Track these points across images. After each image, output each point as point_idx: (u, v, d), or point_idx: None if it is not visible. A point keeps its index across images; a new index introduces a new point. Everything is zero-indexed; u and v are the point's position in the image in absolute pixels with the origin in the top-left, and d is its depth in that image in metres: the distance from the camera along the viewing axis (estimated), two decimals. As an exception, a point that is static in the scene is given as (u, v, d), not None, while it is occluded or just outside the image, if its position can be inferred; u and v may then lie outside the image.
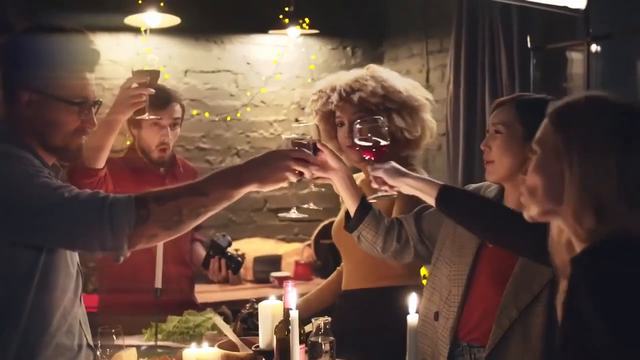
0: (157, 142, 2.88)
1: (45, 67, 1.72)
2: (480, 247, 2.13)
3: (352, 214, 2.23)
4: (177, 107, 2.92)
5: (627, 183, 1.26)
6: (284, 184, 1.86)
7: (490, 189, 2.23)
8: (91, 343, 1.91)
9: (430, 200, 2.02)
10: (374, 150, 2.09)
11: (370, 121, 2.11)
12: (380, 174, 2.05)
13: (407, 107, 2.52)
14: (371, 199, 2.18)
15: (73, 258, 1.83)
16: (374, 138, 2.08)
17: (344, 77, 2.55)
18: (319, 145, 2.06)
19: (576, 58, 4.30)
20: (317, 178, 2.11)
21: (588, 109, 1.33)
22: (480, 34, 4.18)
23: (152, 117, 2.58)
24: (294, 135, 2.05)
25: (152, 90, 2.47)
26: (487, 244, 2.12)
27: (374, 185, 2.10)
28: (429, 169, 5.03)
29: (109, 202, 1.62)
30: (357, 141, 2.10)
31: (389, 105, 2.49)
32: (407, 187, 2.04)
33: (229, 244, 2.88)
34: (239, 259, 2.89)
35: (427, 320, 2.20)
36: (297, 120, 4.81)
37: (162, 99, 2.82)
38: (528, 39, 4.09)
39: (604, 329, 1.16)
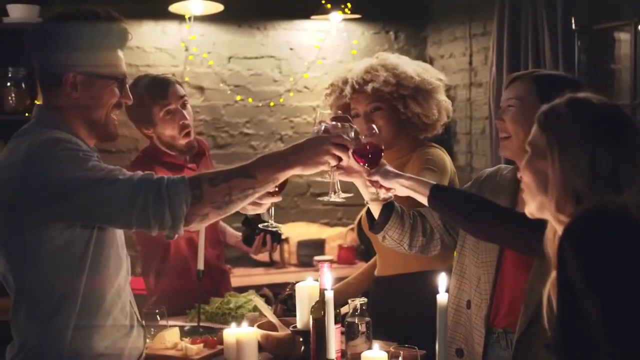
0: (178, 129, 2.79)
1: (83, 49, 1.80)
2: None
3: (375, 214, 2.23)
4: (178, 87, 2.84)
5: (598, 176, 1.39)
6: (325, 168, 1.92)
7: (506, 171, 2.20)
8: (141, 321, 1.99)
9: (423, 200, 2.05)
10: (369, 156, 2.06)
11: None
12: (376, 177, 2.05)
13: (421, 91, 2.52)
14: (371, 202, 2.18)
15: (122, 240, 1.92)
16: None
17: (355, 69, 2.56)
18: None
19: (624, 39, 4.22)
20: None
21: (568, 111, 1.45)
22: (524, 16, 4.13)
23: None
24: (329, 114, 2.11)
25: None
26: None
27: (371, 190, 2.11)
28: (473, 153, 5.01)
29: (165, 183, 1.71)
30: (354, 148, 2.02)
31: (402, 92, 2.50)
32: (401, 187, 2.06)
33: (270, 216, 2.91)
34: (279, 232, 2.91)
35: (460, 309, 2.20)
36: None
37: (160, 86, 2.79)
38: (573, 20, 4.02)
39: (594, 296, 1.22)
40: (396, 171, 2.08)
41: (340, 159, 1.91)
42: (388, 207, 2.20)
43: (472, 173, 4.80)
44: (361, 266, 4.37)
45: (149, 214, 1.70)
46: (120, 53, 1.87)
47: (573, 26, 4.02)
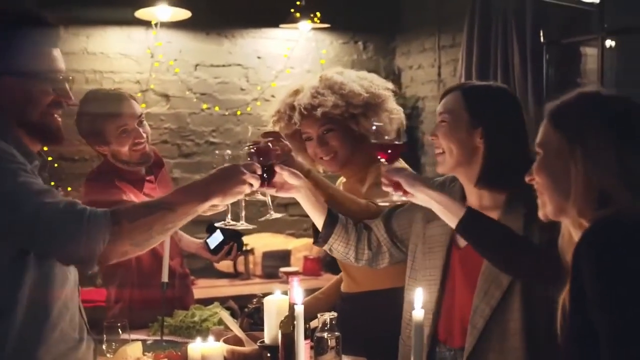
0: (131, 145, 2.69)
1: (9, 49, 1.74)
2: (450, 248, 2.05)
3: (319, 227, 2.20)
4: (134, 103, 2.73)
5: (628, 172, 1.32)
6: (241, 197, 1.93)
7: (453, 183, 2.14)
8: (92, 334, 1.91)
9: (450, 220, 1.88)
10: (389, 150, 2.00)
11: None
12: (398, 178, 1.92)
13: (371, 107, 2.46)
14: (381, 202, 2.12)
15: None
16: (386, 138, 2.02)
17: (300, 96, 2.49)
18: (276, 169, 2.05)
19: (590, 53, 4.25)
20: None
21: (583, 105, 1.40)
22: (494, 28, 4.13)
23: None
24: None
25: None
26: (457, 244, 2.05)
27: (386, 188, 1.97)
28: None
29: (87, 215, 1.63)
30: (373, 141, 2.02)
31: (352, 111, 2.44)
32: (426, 198, 1.90)
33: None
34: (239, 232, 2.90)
35: (411, 327, 2.13)
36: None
37: (115, 103, 2.69)
38: (541, 34, 4.04)
39: (605, 309, 1.19)
40: (425, 178, 2.00)
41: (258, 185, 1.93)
42: (332, 219, 2.18)
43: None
44: (327, 277, 4.35)
45: (65, 247, 1.63)
46: (55, 52, 1.80)
47: (542, 39, 4.04)
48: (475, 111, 1.98)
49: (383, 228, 2.22)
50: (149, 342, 2.49)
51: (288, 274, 4.49)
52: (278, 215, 2.16)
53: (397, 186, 1.93)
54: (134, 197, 2.71)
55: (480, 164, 1.97)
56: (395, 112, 2.53)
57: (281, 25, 4.93)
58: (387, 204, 2.12)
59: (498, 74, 4.09)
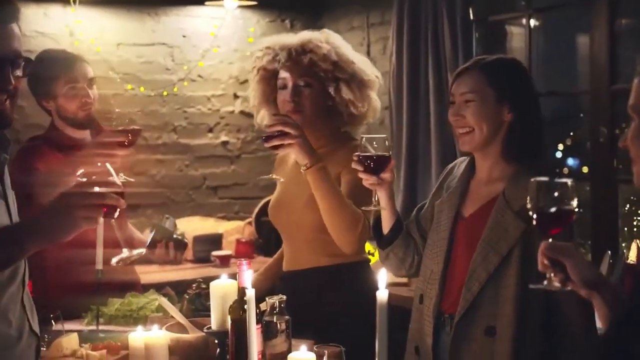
0: (78, 103, 2.69)
1: None
2: (456, 220, 2.10)
3: (385, 228, 2.16)
4: (87, 66, 2.76)
5: None
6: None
7: (463, 162, 2.20)
8: (35, 329, 1.75)
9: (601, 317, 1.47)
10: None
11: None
12: (563, 259, 1.44)
13: (356, 80, 2.44)
14: (366, 209, 2.13)
15: None
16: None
17: (295, 37, 2.45)
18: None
19: (517, 31, 4.31)
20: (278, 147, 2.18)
21: None
22: (423, 4, 4.12)
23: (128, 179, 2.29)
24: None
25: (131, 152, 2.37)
26: (462, 214, 2.10)
27: (542, 269, 1.49)
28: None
29: None
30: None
31: (338, 74, 2.40)
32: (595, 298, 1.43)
33: (175, 227, 2.81)
34: (184, 241, 2.82)
35: (415, 306, 2.17)
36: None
37: (68, 60, 2.74)
38: (470, 11, 4.06)
39: None
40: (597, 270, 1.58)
41: (108, 214, 1.59)
42: (399, 224, 2.16)
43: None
44: (260, 260, 4.29)
45: None
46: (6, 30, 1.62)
47: (471, 17, 4.06)
48: (500, 87, 2.02)
49: (416, 229, 2.22)
50: (84, 332, 2.38)
51: (221, 257, 4.40)
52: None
53: (558, 269, 1.46)
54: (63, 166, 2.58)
55: (506, 137, 2.03)
56: (375, 102, 2.51)
57: (206, 3, 4.80)
58: (370, 209, 2.13)
59: (429, 52, 4.08)
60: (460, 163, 2.22)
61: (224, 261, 4.38)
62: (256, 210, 4.79)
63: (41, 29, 4.44)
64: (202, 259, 4.51)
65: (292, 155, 2.55)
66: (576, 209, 1.44)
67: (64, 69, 2.69)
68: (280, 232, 2.62)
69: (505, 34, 4.42)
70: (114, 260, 1.81)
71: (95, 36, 4.60)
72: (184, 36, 4.89)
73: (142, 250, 2.10)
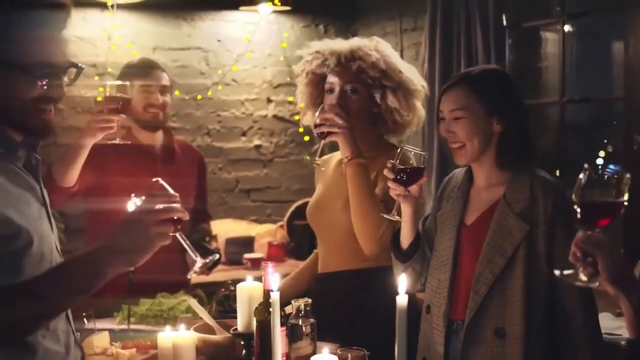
0: (144, 103, 2.91)
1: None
2: (459, 229, 2.12)
3: (404, 242, 2.18)
4: (164, 75, 3.01)
5: None
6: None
7: (460, 173, 2.22)
8: (79, 342, 1.70)
9: (631, 328, 1.44)
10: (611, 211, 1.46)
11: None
12: (596, 253, 1.38)
13: (403, 88, 2.47)
14: (385, 215, 2.16)
15: (45, 245, 1.56)
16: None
17: (345, 43, 2.48)
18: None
19: (551, 37, 4.28)
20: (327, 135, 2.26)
21: None
22: (456, 12, 4.12)
23: (124, 142, 2.64)
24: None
25: (123, 116, 2.55)
26: (465, 223, 2.12)
27: (573, 260, 1.42)
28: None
29: None
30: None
31: (385, 82, 2.43)
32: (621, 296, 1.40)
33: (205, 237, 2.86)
34: (210, 248, 2.86)
35: (422, 316, 2.19)
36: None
37: (147, 67, 3.00)
38: (504, 17, 4.04)
39: None
40: (627, 273, 1.43)
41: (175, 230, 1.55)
42: (418, 238, 2.18)
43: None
44: (292, 264, 4.32)
45: None
46: (54, 39, 1.51)
47: (504, 23, 4.05)
48: (488, 100, 2.06)
49: (425, 245, 2.23)
50: (115, 331, 2.43)
51: (252, 260, 4.45)
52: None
53: (589, 263, 1.39)
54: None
55: (498, 148, 2.07)
56: (419, 110, 2.53)
57: (241, 8, 4.84)
58: (388, 218, 2.16)
59: (461, 58, 4.08)
60: (458, 173, 2.24)
61: (256, 264, 4.42)
62: (288, 213, 4.82)
63: (80, 34, 4.53)
64: (234, 261, 4.56)
65: (334, 161, 2.58)
66: (625, 202, 1.38)
67: (139, 73, 2.93)
68: (316, 233, 2.65)
69: (540, 40, 4.39)
70: (192, 272, 1.83)
71: (132, 40, 4.69)
72: (218, 41, 4.95)
73: (216, 255, 2.13)
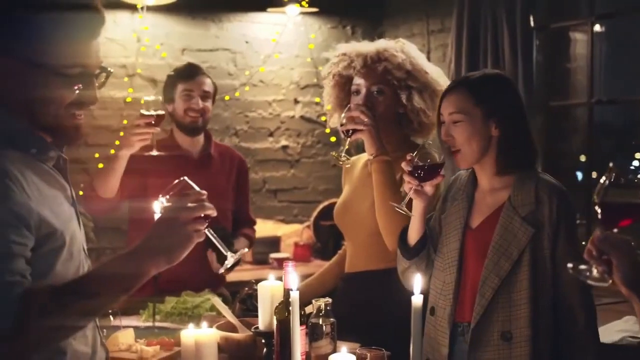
0: (185, 107, 3.00)
1: (30, 32, 1.47)
2: (464, 231, 2.13)
3: (412, 238, 2.19)
4: (207, 80, 3.08)
5: None
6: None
7: (465, 175, 2.22)
8: (105, 343, 1.73)
9: None
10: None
11: None
12: (612, 252, 1.37)
13: (429, 89, 2.47)
14: (396, 207, 2.14)
15: (75, 245, 1.60)
16: None
17: (371, 45, 2.49)
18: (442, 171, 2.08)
19: (580, 38, 4.25)
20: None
21: None
22: (483, 13, 4.11)
23: (159, 152, 2.79)
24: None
25: (158, 129, 2.76)
26: (470, 225, 2.13)
27: (588, 257, 1.40)
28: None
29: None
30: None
31: (411, 83, 2.44)
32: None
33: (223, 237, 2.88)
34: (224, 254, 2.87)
35: (426, 318, 2.18)
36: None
37: (191, 71, 3.07)
38: (531, 19, 4.03)
39: None
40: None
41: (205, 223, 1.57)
42: (425, 237, 2.19)
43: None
44: (317, 264, 4.34)
45: None
46: (89, 42, 1.53)
47: (531, 24, 4.03)
48: (486, 104, 2.06)
49: (430, 245, 2.24)
50: (140, 328, 2.47)
51: (278, 260, 4.47)
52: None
53: (603, 262, 1.38)
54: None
55: (497, 151, 2.07)
56: None
57: (269, 9, 4.88)
58: (397, 207, 2.15)
59: (488, 59, 4.07)
60: (463, 175, 2.24)
61: (282, 264, 4.43)
62: (315, 213, 4.85)
63: (110, 35, 4.60)
64: (261, 261, 4.59)
65: (361, 162, 2.60)
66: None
67: (182, 78, 3.03)
68: (344, 234, 2.68)
69: (569, 41, 4.36)
70: (223, 268, 1.86)
71: (161, 42, 4.75)
72: (246, 42, 4.99)
73: (245, 250, 2.16)
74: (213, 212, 1.56)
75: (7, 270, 1.38)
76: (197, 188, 1.62)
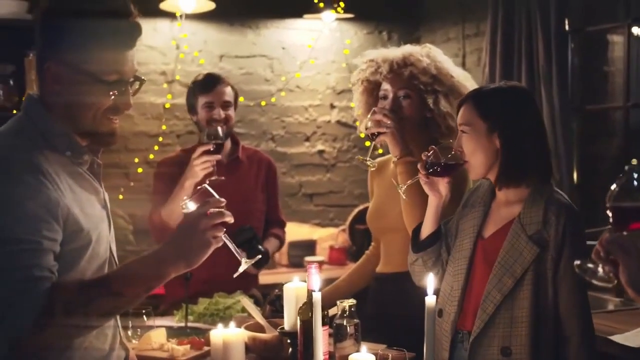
0: (207, 118, 3.08)
1: (75, 40, 1.58)
2: (477, 239, 2.14)
3: (424, 233, 2.22)
4: (227, 89, 3.14)
5: None
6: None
7: (487, 183, 2.21)
8: (124, 341, 1.83)
9: None
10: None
11: None
12: (620, 256, 1.37)
13: (455, 93, 2.49)
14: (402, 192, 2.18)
15: (101, 245, 1.68)
16: None
17: (398, 50, 2.54)
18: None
19: (616, 41, 4.20)
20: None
21: None
22: (517, 17, 4.10)
23: (221, 177, 2.86)
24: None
25: (218, 156, 2.90)
26: (482, 235, 2.14)
27: (595, 257, 1.42)
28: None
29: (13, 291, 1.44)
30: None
31: (437, 87, 2.47)
32: None
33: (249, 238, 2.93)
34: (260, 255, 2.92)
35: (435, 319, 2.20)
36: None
37: (209, 83, 3.12)
38: (566, 22, 4.00)
39: None
40: None
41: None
42: (439, 233, 2.21)
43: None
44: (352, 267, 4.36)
45: None
46: (126, 52, 1.63)
47: (566, 27, 4.01)
48: (489, 117, 2.07)
49: (443, 246, 2.26)
50: (173, 328, 2.54)
51: (311, 263, 4.50)
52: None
53: (609, 262, 1.40)
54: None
55: (499, 164, 2.07)
56: None
57: (305, 16, 4.94)
58: (403, 187, 2.22)
59: (522, 63, 4.06)
60: (485, 183, 2.24)
61: (317, 267, 4.48)
62: (350, 217, 4.88)
63: (150, 43, 4.71)
64: (296, 264, 4.64)
65: (390, 165, 2.63)
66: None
67: (201, 90, 3.11)
68: (377, 237, 2.73)
69: (605, 44, 4.32)
70: (237, 273, 1.93)
71: (199, 49, 4.85)
72: (283, 48, 5.06)
73: (260, 255, 2.24)
74: (230, 219, 1.63)
75: (36, 265, 1.46)
76: (216, 196, 1.68)
